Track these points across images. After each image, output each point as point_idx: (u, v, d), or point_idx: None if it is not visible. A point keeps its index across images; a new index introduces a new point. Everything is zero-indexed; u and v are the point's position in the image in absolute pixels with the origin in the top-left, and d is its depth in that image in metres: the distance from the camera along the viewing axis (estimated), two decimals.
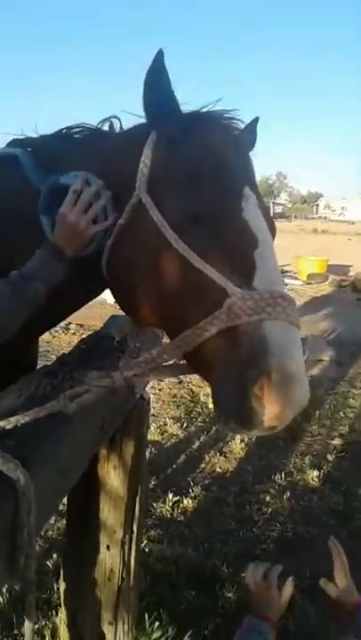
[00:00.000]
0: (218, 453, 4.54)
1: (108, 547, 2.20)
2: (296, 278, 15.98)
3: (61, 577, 2.31)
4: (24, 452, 1.22)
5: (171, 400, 5.78)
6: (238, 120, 1.59)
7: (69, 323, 8.32)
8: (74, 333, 8.00)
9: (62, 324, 8.32)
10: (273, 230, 1.49)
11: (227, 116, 1.55)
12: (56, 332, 8.00)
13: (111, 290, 1.61)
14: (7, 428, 1.30)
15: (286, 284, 15.09)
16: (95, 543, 2.20)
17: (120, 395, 1.91)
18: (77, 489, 2.22)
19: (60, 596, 2.35)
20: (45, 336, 7.59)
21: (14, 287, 1.41)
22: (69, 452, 1.44)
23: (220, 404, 1.31)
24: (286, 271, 16.76)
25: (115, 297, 1.61)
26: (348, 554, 3.34)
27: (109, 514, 2.17)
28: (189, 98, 1.51)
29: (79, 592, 2.26)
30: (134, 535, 2.25)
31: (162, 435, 4.87)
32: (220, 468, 4.35)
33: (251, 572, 2.04)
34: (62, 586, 2.30)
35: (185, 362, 1.48)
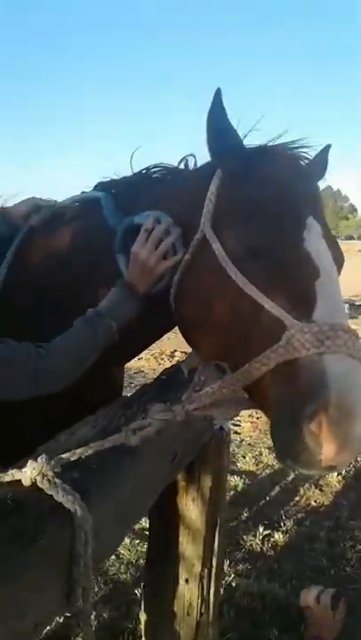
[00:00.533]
0: (313, 486, 4.40)
1: (186, 580, 2.19)
2: None
3: (142, 608, 2.31)
4: (85, 484, 1.26)
5: (268, 429, 5.66)
6: (307, 148, 1.58)
7: (175, 350, 8.47)
8: (179, 361, 8.08)
9: (168, 351, 8.53)
10: (340, 261, 1.46)
11: (292, 146, 1.54)
12: (162, 359, 8.17)
13: (178, 324, 1.64)
14: (72, 459, 1.34)
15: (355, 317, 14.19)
16: (174, 576, 2.19)
17: (194, 427, 1.92)
18: (159, 521, 2.25)
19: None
20: (152, 363, 7.82)
21: (89, 323, 1.48)
22: (134, 485, 1.46)
23: (277, 440, 1.28)
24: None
25: (181, 331, 1.63)
26: None
27: (187, 546, 2.17)
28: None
29: (159, 624, 2.26)
30: (213, 570, 2.22)
31: (257, 465, 4.80)
32: (315, 501, 4.20)
33: (305, 594, 2.03)
34: (143, 617, 2.31)
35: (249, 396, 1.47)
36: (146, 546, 3.46)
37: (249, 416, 5.95)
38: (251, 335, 1.34)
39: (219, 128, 1.45)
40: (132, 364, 7.93)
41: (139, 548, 3.47)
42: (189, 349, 1.77)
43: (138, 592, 3.07)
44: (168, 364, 8.03)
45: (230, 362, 1.45)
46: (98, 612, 2.96)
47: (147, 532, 2.38)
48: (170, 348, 8.87)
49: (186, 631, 2.21)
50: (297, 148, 1.56)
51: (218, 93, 1.40)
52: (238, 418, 5.78)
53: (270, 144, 1.53)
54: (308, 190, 1.51)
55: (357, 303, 14.48)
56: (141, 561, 3.46)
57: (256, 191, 1.42)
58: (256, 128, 1.52)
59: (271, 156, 1.50)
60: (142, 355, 8.48)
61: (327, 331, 1.23)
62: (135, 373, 7.34)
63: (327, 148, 1.70)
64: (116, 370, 2.23)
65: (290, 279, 1.32)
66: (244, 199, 1.43)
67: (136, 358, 8.18)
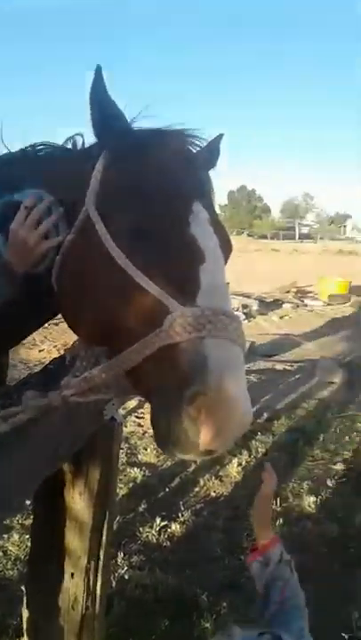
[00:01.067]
0: (214, 477, 4.45)
1: (72, 574, 2.14)
2: (317, 299, 15.84)
3: (24, 604, 2.24)
4: None
5: None
6: (198, 137, 1.56)
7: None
8: None
9: (71, 343, 8.35)
10: (227, 247, 1.45)
11: (182, 133, 1.52)
12: (65, 351, 7.99)
13: (59, 306, 1.58)
14: None
15: (307, 305, 15.00)
16: (58, 570, 2.14)
17: (82, 417, 1.88)
18: (42, 515, 2.19)
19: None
20: (54, 354, 7.65)
21: None
22: (10, 479, 1.40)
23: (156, 425, 1.26)
24: (308, 292, 16.62)
25: (61, 313, 1.58)
26: (340, 585, 3.26)
27: (74, 540, 2.12)
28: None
29: (42, 620, 2.21)
30: (101, 562, 2.19)
31: (158, 457, 4.78)
32: (215, 492, 4.26)
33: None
34: (25, 613, 2.24)
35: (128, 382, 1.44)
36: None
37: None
38: (133, 319, 1.31)
39: (101, 106, 1.41)
40: (34, 355, 7.77)
41: (28, 544, 3.37)
42: None
43: (24, 588, 2.98)
44: None
45: (112, 346, 1.42)
46: None
47: None
48: (74, 339, 8.69)
49: (70, 625, 2.16)
50: (188, 136, 1.53)
51: (98, 70, 1.36)
52: (142, 410, 5.76)
53: (160, 128, 1.50)
54: (195, 176, 1.49)
55: (268, 300, 14.91)
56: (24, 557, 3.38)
57: (141, 173, 1.39)
58: (151, 115, 1.48)
59: (159, 140, 1.47)
60: (44, 346, 8.35)
61: (209, 315, 1.21)
62: (35, 365, 7.11)
63: (219, 137, 1.70)
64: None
65: (174, 263, 1.30)
66: (128, 180, 1.39)
67: (37, 350, 8.03)
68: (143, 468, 4.48)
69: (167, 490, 4.28)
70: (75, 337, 1.69)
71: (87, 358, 1.63)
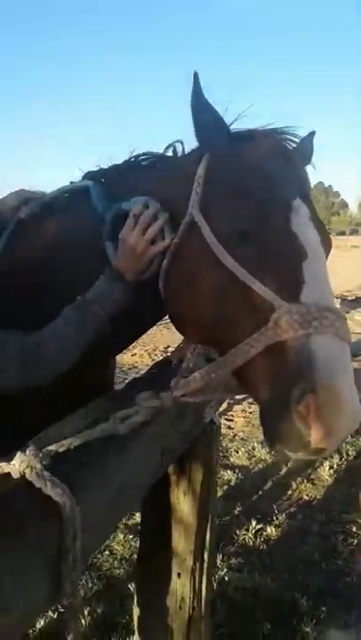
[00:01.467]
0: (305, 480, 4.40)
1: (178, 574, 2.17)
2: None
3: (135, 602, 2.30)
4: (74, 477, 1.24)
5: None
6: (293, 135, 1.58)
7: (168, 346, 8.48)
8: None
9: (162, 347, 8.56)
10: (328, 244, 1.45)
11: (278, 132, 1.54)
12: (156, 355, 8.18)
13: (167, 310, 1.63)
14: (60, 450, 1.32)
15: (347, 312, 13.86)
16: (166, 570, 2.18)
17: (187, 419, 1.91)
18: (151, 515, 2.24)
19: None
20: (146, 359, 7.83)
21: (78, 311, 1.47)
22: (125, 479, 1.45)
23: (265, 424, 1.27)
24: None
25: (170, 317, 1.63)
26: None
27: (179, 541, 2.15)
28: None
29: (151, 619, 2.25)
30: (205, 564, 2.21)
31: (250, 459, 4.79)
32: (307, 495, 4.20)
33: None
34: (136, 611, 2.30)
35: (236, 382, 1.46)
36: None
37: (242, 411, 5.96)
38: (239, 318, 1.33)
39: (202, 112, 1.45)
40: (126, 359, 7.94)
41: (132, 544, 3.46)
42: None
43: (131, 587, 3.06)
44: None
45: (219, 346, 1.44)
46: (92, 607, 2.95)
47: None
48: (163, 343, 8.91)
49: (178, 625, 2.19)
50: (283, 134, 1.55)
51: (196, 78, 1.40)
52: (231, 413, 5.78)
53: (257, 129, 1.53)
54: (294, 174, 1.50)
55: (350, 298, 14.50)
56: (135, 556, 3.44)
57: (242, 174, 1.42)
58: (245, 115, 1.51)
59: (257, 140, 1.50)
60: (136, 350, 8.55)
61: (314, 312, 1.22)
62: (129, 369, 7.32)
63: (312, 134, 1.70)
64: (106, 363, 2.22)
65: (277, 261, 1.32)
66: (230, 182, 1.43)
67: (130, 354, 8.24)
68: (236, 470, 4.48)
69: (260, 493, 4.27)
70: (163, 342, 1.73)
71: (193, 359, 1.67)
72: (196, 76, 1.40)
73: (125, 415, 1.41)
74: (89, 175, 1.83)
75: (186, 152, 1.70)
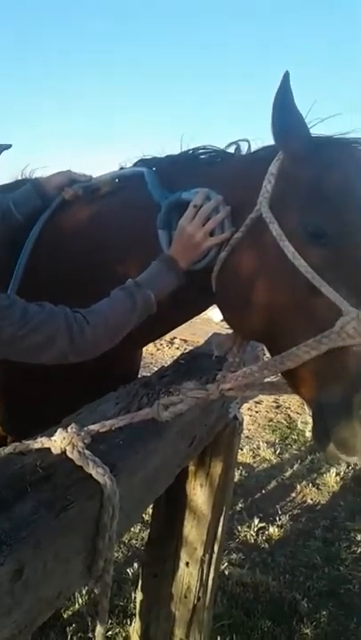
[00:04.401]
0: (310, 484, 4.40)
1: (187, 563, 2.20)
2: None
3: (139, 587, 2.33)
4: (114, 459, 1.27)
5: (267, 424, 5.69)
6: None
7: (174, 337, 8.46)
8: (177, 348, 8.13)
9: (167, 337, 8.52)
10: None
11: (354, 142, 1.53)
12: (161, 345, 8.16)
13: (218, 302, 1.63)
14: (101, 430, 1.34)
15: None
16: (175, 558, 2.21)
17: (214, 413, 1.93)
18: (163, 502, 2.26)
19: (136, 606, 2.38)
20: (150, 348, 7.82)
21: (128, 293, 1.48)
22: (158, 464, 1.47)
23: (321, 426, 1.29)
24: None
25: (221, 309, 1.63)
26: None
27: (191, 530, 2.18)
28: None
29: (155, 605, 2.27)
30: (214, 555, 2.23)
31: (254, 458, 4.80)
32: (312, 499, 4.21)
33: None
34: (139, 596, 2.32)
35: (284, 381, 1.48)
36: (138, 526, 3.51)
37: (248, 409, 5.96)
38: (302, 318, 1.34)
39: (285, 111, 1.43)
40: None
41: (132, 529, 3.48)
42: (188, 337, 1.77)
43: (130, 571, 3.09)
44: (167, 351, 8.05)
45: (274, 344, 1.46)
46: (89, 587, 2.98)
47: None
48: (169, 334, 8.82)
49: (182, 613, 2.23)
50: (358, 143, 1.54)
51: (286, 77, 1.39)
52: None
53: (335, 136, 1.52)
54: None
55: None
56: (134, 541, 3.49)
57: (321, 177, 1.42)
58: (323, 119, 1.50)
59: (337, 146, 1.49)
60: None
61: None
62: (144, 358, 7.26)
63: None
64: (137, 350, 2.24)
65: (349, 268, 1.33)
66: (307, 183, 1.42)
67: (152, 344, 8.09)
68: (240, 467, 4.49)
69: (263, 492, 4.28)
70: (184, 334, 1.72)
71: (240, 354, 1.69)
72: (286, 74, 1.39)
73: (170, 402, 1.43)
74: (141, 162, 1.83)
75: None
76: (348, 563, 3.44)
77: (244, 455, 4.77)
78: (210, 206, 1.53)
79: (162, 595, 2.25)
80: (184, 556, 2.20)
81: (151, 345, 8.30)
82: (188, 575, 2.21)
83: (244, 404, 6.06)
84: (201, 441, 1.86)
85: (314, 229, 1.35)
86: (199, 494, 2.16)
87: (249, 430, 5.50)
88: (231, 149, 1.72)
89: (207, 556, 2.21)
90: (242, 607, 2.86)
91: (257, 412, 6.01)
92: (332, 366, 1.27)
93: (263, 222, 1.43)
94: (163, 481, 1.58)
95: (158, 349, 7.98)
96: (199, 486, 2.16)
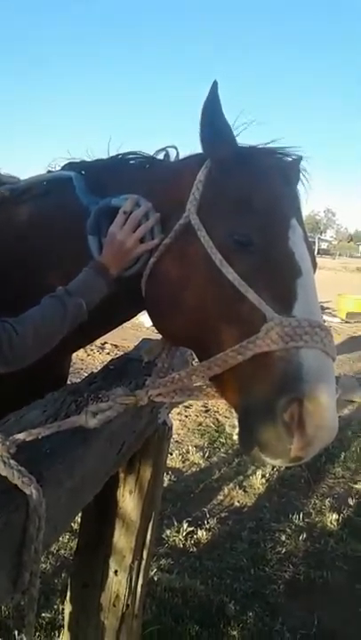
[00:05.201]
0: (237, 487, 4.48)
1: (115, 572, 2.17)
2: (335, 316, 15.82)
3: (68, 598, 2.28)
4: (40, 468, 1.24)
5: (196, 428, 5.75)
6: (292, 156, 1.61)
7: (105, 342, 8.42)
8: (108, 353, 8.10)
9: (98, 343, 8.47)
10: (314, 264, 1.51)
11: (280, 150, 1.58)
12: (91, 350, 8.10)
13: (148, 307, 1.64)
14: (27, 439, 1.31)
15: (324, 321, 14.86)
16: (104, 567, 2.17)
17: (143, 419, 1.92)
18: (92, 510, 2.23)
19: (64, 618, 2.33)
20: (81, 354, 7.74)
21: (58, 301, 1.45)
22: (85, 473, 1.45)
23: (246, 429, 1.31)
24: (326, 308, 16.61)
25: (150, 314, 1.63)
26: None
27: (120, 538, 2.16)
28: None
29: (84, 615, 2.23)
30: (143, 562, 2.22)
31: (183, 462, 4.84)
32: (239, 502, 4.28)
33: None
34: (68, 608, 2.27)
35: (212, 386, 1.49)
36: (67, 535, 3.45)
37: (178, 414, 6.01)
38: (228, 324, 1.36)
39: (213, 119, 1.46)
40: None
41: (60, 538, 3.42)
42: (119, 342, 1.77)
43: (58, 582, 3.03)
44: (98, 356, 8.01)
45: (201, 350, 1.48)
46: (15, 600, 2.89)
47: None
48: (100, 340, 8.80)
49: (110, 622, 2.20)
50: (285, 154, 1.59)
51: (214, 86, 1.41)
52: None
53: (259, 146, 1.56)
54: (292, 192, 1.55)
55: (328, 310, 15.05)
56: (62, 551, 3.43)
57: (247, 185, 1.45)
58: (249, 128, 1.54)
59: (262, 155, 1.53)
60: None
61: (306, 326, 1.28)
62: (74, 363, 7.20)
63: (300, 159, 1.75)
64: (67, 356, 2.20)
65: (273, 274, 1.36)
66: (233, 191, 1.45)
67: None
68: (169, 472, 4.50)
69: (192, 496, 4.31)
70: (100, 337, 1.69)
71: (169, 360, 1.69)
72: (215, 83, 1.42)
73: (98, 410, 1.41)
74: (69, 166, 1.81)
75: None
76: (273, 563, 3.52)
77: (173, 460, 4.80)
78: (140, 213, 1.53)
79: (91, 605, 2.21)
80: (113, 565, 2.17)
81: (82, 350, 8.20)
82: (117, 583, 2.18)
83: (174, 409, 6.10)
84: (130, 447, 1.85)
85: (240, 237, 1.38)
86: (128, 501, 2.15)
87: (179, 435, 5.53)
88: (160, 156, 1.73)
89: (136, 563, 2.19)
90: (171, 612, 2.86)
91: (187, 416, 6.05)
92: (257, 371, 1.29)
93: (191, 229, 1.44)
94: (91, 489, 1.56)
95: (89, 355, 7.91)
96: (128, 493, 2.15)
